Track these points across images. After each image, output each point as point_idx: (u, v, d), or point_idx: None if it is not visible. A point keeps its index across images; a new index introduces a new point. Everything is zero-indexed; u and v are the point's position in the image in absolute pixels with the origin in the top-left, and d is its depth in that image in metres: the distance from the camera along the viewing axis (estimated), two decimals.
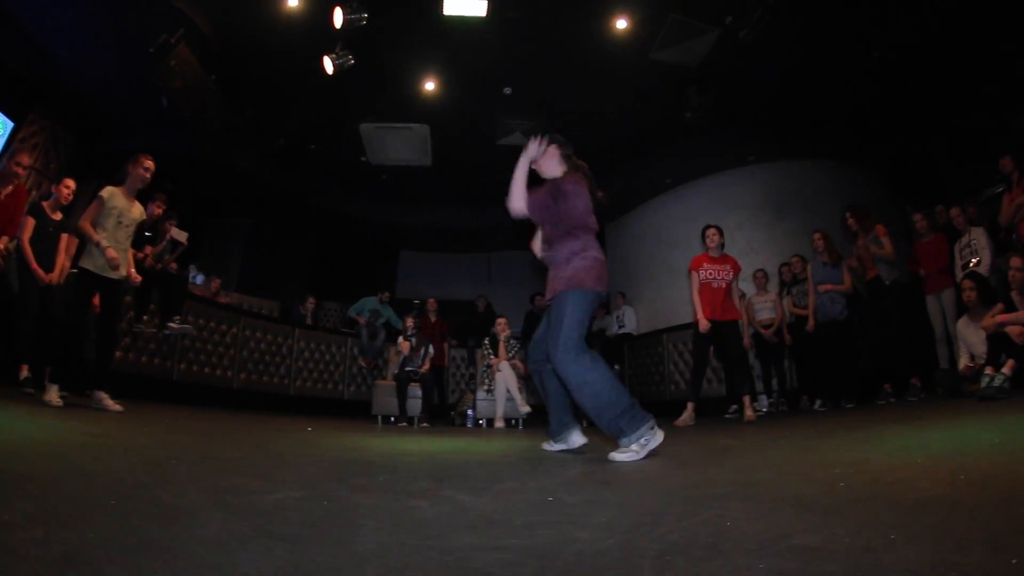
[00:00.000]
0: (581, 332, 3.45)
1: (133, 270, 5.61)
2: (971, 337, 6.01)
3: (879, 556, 1.15)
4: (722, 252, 6.97)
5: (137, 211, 5.51)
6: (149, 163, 5.46)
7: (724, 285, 6.78)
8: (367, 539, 1.36)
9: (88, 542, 1.20)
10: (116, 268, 5.12)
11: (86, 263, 5.14)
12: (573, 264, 3.58)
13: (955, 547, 1.18)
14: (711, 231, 6.99)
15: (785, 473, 2.41)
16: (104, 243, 5.05)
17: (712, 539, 1.34)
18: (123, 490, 1.77)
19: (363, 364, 10.59)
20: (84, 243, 5.27)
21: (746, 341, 8.48)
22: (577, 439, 3.83)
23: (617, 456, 3.12)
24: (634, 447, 3.14)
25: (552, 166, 3.92)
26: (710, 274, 6.82)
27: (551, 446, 3.92)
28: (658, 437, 3.21)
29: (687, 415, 6.72)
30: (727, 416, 7.86)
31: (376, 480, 2.36)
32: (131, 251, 5.61)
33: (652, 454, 3.15)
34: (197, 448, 3.17)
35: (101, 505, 1.54)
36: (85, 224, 5.12)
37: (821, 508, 1.63)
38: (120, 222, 5.29)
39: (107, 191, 5.26)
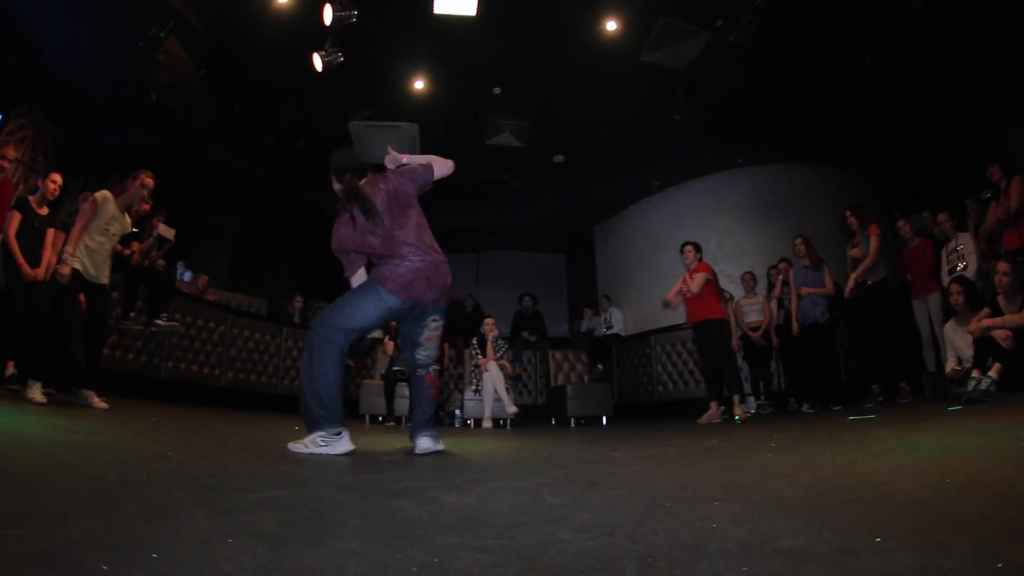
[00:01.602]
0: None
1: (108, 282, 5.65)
2: (958, 341, 6.04)
3: (864, 559, 1.14)
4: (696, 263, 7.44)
5: (126, 224, 5.55)
6: (149, 181, 5.50)
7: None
8: (350, 538, 1.36)
9: (72, 540, 1.20)
10: (63, 283, 5.09)
11: (76, 264, 5.13)
12: None
13: (939, 551, 1.17)
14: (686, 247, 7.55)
15: (769, 475, 2.38)
16: (71, 259, 5.07)
17: (695, 542, 1.33)
18: (107, 488, 1.76)
19: (351, 363, 10.56)
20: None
21: (734, 343, 8.56)
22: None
23: (292, 446, 3.26)
24: (307, 440, 3.26)
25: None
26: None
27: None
28: (344, 445, 3.29)
29: (712, 412, 7.05)
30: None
31: (361, 479, 2.35)
32: (114, 252, 5.62)
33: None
34: (182, 446, 3.16)
35: (85, 503, 1.53)
36: (76, 228, 5.17)
37: (805, 511, 1.62)
38: (108, 229, 5.30)
39: (102, 195, 5.28)
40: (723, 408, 7.71)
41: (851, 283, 7.27)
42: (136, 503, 1.57)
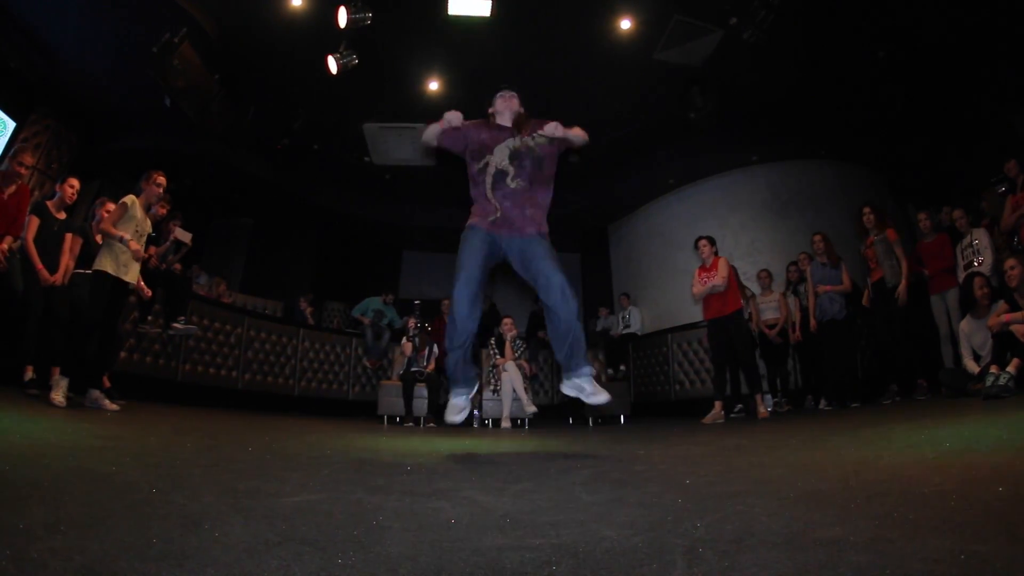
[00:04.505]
0: None
1: (143, 283, 5.70)
2: (977, 339, 6.02)
3: (902, 546, 1.19)
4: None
5: (148, 226, 5.65)
6: (161, 179, 5.60)
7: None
8: (396, 542, 1.34)
9: (108, 551, 1.17)
10: (139, 260, 5.35)
11: (105, 265, 5.13)
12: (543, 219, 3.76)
13: (973, 537, 1.22)
14: (701, 242, 7.43)
15: (798, 470, 2.43)
16: (127, 236, 5.17)
17: (737, 534, 1.37)
18: (138, 495, 1.74)
19: (368, 364, 10.58)
20: (101, 245, 5.33)
21: None
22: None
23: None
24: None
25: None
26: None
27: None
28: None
29: (716, 412, 7.06)
30: (732, 415, 7.80)
31: (393, 481, 2.34)
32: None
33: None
34: (208, 450, 3.15)
35: (117, 511, 1.51)
36: (108, 226, 5.22)
37: (838, 503, 1.67)
38: (137, 230, 5.34)
39: (130, 199, 5.39)
40: (740, 407, 7.67)
41: (867, 292, 7.24)
42: (169, 510, 1.54)
